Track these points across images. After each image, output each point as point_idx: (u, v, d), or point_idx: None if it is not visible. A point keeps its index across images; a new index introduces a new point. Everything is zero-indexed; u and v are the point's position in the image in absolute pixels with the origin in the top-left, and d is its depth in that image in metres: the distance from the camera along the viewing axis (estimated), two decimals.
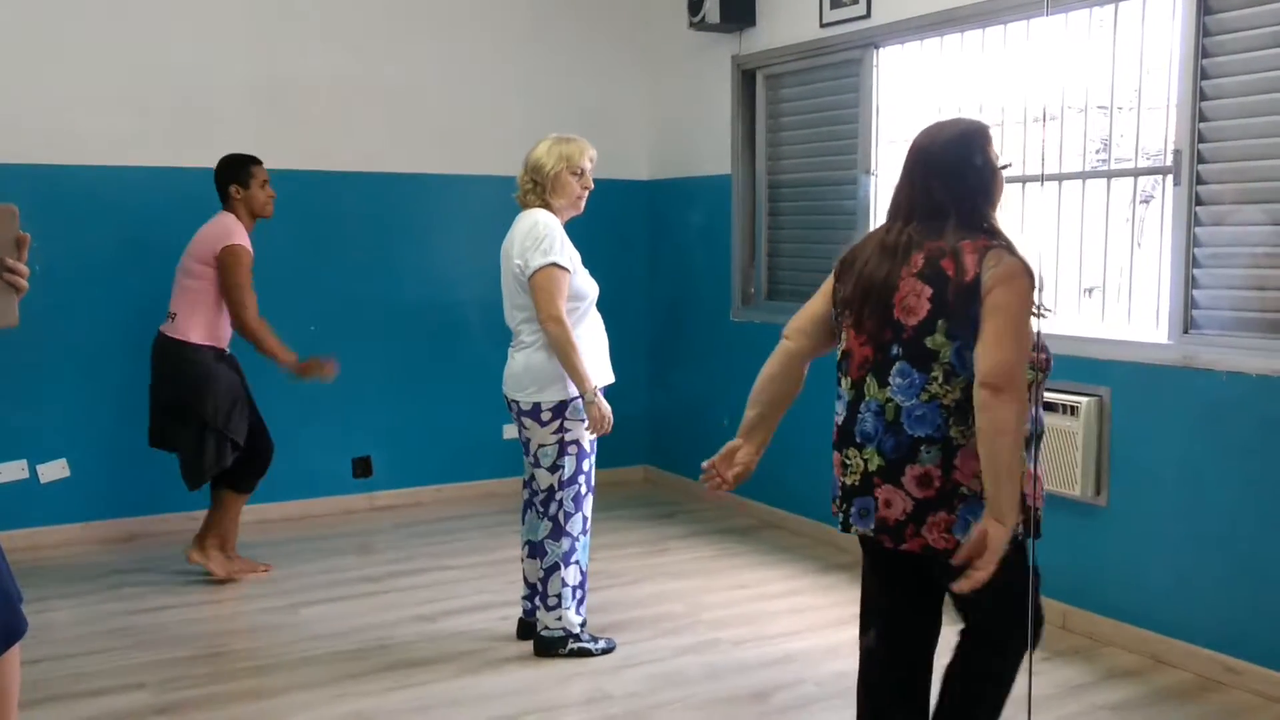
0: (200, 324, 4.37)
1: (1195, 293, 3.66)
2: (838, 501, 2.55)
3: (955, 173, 2.42)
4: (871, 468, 2.43)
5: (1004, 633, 2.50)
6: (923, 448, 2.35)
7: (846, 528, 2.53)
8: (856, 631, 4.01)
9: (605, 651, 3.78)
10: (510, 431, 5.77)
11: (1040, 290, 2.37)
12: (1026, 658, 2.49)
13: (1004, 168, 2.48)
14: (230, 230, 4.37)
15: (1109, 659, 3.75)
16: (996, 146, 2.49)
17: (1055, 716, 3.30)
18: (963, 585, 2.24)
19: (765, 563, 4.87)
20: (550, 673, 3.65)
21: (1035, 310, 2.35)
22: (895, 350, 2.39)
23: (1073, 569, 3.96)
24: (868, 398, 2.44)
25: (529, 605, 3.89)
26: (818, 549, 5.05)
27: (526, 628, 3.87)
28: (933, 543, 2.36)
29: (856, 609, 4.21)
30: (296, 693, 3.49)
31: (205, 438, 4.34)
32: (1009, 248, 2.37)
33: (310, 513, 5.58)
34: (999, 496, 2.23)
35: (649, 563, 4.87)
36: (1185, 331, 3.67)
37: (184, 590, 4.45)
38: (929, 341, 2.35)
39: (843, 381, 2.53)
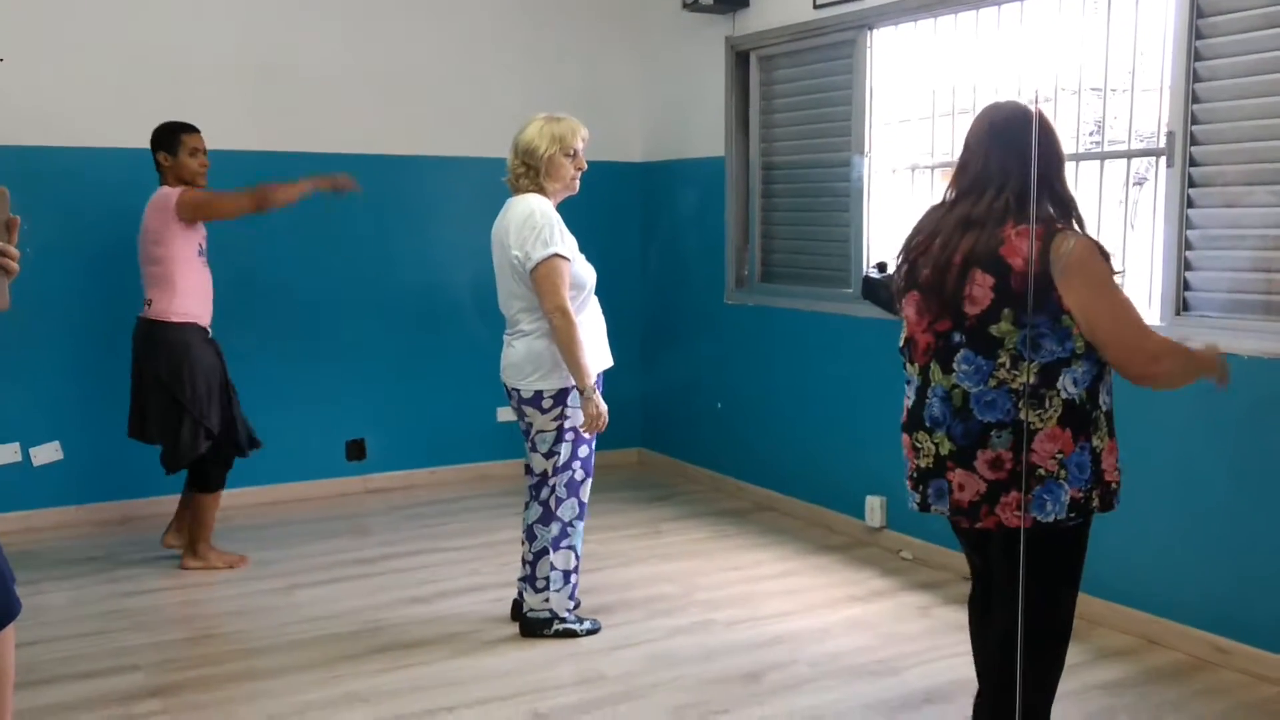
0: (177, 302, 4.32)
1: (1188, 275, 3.66)
2: (912, 482, 2.59)
3: (1000, 152, 2.43)
4: (943, 451, 2.47)
5: (1053, 603, 2.54)
6: (993, 432, 2.40)
7: (925, 508, 2.56)
8: (848, 612, 4.06)
9: (590, 633, 3.79)
10: (504, 414, 5.78)
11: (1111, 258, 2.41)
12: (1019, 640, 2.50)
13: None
14: (169, 194, 4.30)
15: (1101, 639, 3.76)
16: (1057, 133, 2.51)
17: None
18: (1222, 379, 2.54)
19: (759, 544, 4.89)
20: (543, 653, 3.66)
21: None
22: (958, 338, 2.42)
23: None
24: (934, 383, 2.47)
25: (523, 587, 3.89)
26: (811, 531, 5.06)
27: (520, 609, 3.88)
28: (1006, 521, 2.41)
29: (849, 590, 4.28)
30: (290, 674, 3.50)
31: (182, 420, 4.30)
32: (1073, 227, 2.40)
33: (304, 495, 5.58)
34: (1192, 375, 2.50)
35: (643, 545, 4.88)
36: (1178, 313, 3.67)
37: (177, 573, 4.46)
38: (994, 329, 2.38)
39: (908, 367, 2.57)
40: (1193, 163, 3.61)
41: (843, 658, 3.63)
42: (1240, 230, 3.54)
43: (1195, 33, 3.56)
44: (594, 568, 4.45)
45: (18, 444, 4.98)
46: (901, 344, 2.61)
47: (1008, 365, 2.37)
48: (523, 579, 3.86)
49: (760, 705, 3.29)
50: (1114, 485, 2.50)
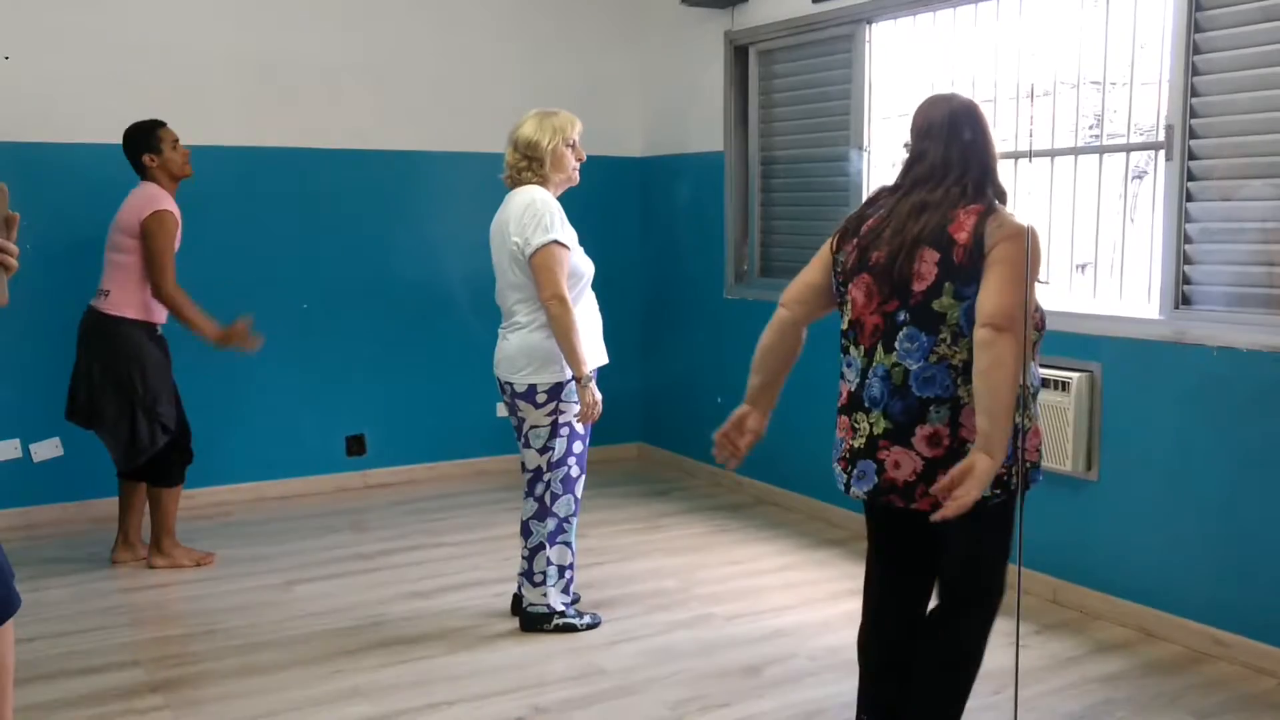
0: (134, 299, 4.27)
1: (1187, 268, 3.66)
2: (843, 463, 2.60)
3: (960, 141, 2.49)
4: (877, 431, 2.49)
5: (975, 596, 2.59)
6: (931, 408, 2.43)
7: (847, 489, 2.58)
8: (848, 606, 4.06)
9: (590, 627, 3.80)
10: (504, 410, 5.77)
11: (1039, 256, 2.45)
12: (1016, 631, 2.52)
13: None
14: (155, 197, 4.25)
15: (1099, 632, 3.77)
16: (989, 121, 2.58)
17: (1046, 689, 3.33)
18: (944, 512, 2.28)
19: (758, 538, 4.89)
20: (543, 648, 3.66)
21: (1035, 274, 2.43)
22: (902, 316, 2.46)
23: (1063, 543, 3.98)
24: (875, 364, 2.50)
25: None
26: (810, 524, 5.06)
27: (520, 603, 3.88)
28: (940, 498, 2.41)
29: (849, 584, 4.27)
30: (291, 669, 3.50)
31: (137, 418, 4.25)
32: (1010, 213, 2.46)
33: (303, 491, 5.59)
34: (993, 432, 2.29)
35: (642, 539, 4.88)
36: (1177, 307, 3.67)
37: (177, 569, 4.45)
38: (936, 305, 2.42)
39: (852, 350, 2.60)
40: (1191, 156, 3.61)
41: (842, 651, 3.63)
42: (1239, 223, 3.53)
43: (1194, 26, 3.56)
44: (594, 562, 4.45)
45: (18, 440, 4.99)
46: (845, 327, 2.63)
47: (949, 341, 2.41)
48: (522, 574, 3.87)
49: (760, 699, 3.29)
50: (1032, 464, 2.52)
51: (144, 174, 4.34)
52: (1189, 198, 3.63)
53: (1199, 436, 3.60)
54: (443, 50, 5.73)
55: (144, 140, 4.30)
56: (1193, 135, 3.60)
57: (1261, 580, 3.45)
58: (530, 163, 3.61)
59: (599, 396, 3.60)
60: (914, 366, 2.44)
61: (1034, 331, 2.47)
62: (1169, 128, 3.64)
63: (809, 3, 5.01)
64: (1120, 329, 3.80)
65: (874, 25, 4.80)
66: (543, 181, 3.62)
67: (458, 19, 5.75)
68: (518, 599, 3.89)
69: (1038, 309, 2.52)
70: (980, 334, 2.32)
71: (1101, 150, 3.99)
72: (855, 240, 2.58)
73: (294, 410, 5.52)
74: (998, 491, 2.45)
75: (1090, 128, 4.12)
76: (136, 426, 4.26)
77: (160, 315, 4.38)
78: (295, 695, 3.32)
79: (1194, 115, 3.59)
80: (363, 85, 5.55)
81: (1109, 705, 3.24)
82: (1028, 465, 2.51)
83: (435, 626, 3.85)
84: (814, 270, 2.71)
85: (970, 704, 2.66)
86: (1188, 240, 3.65)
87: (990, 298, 2.34)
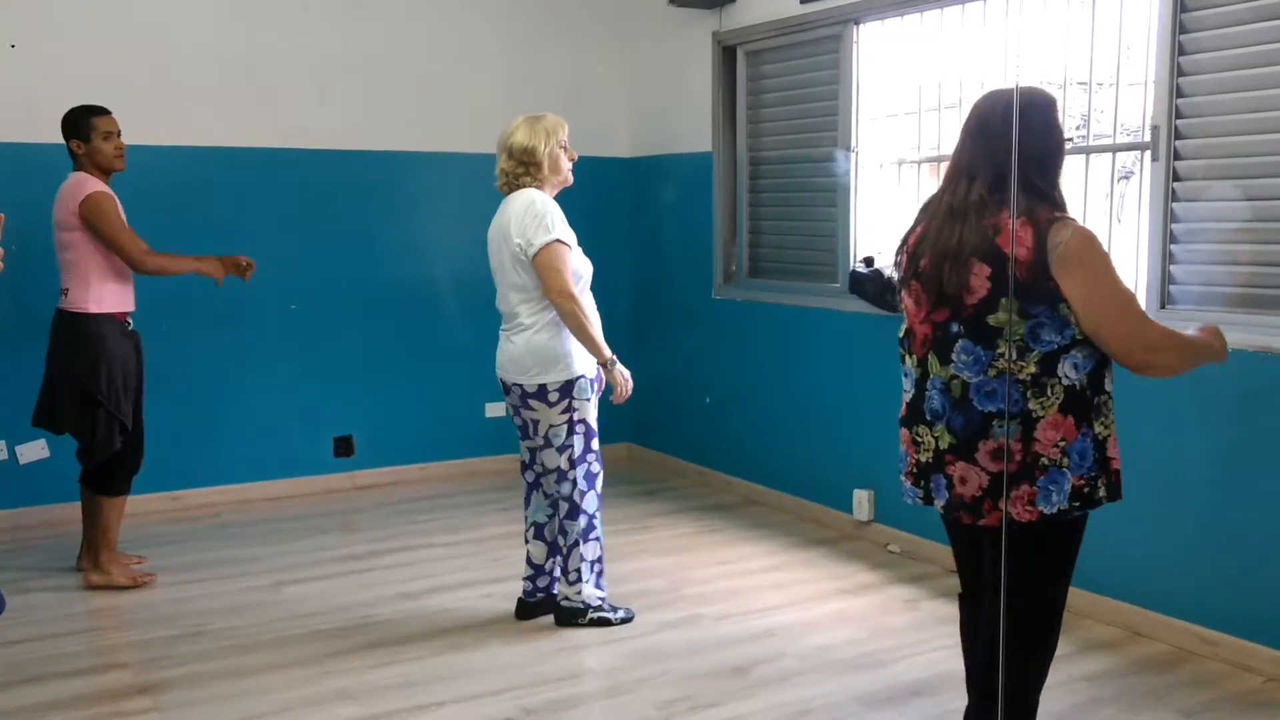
0: (92, 294, 4.11)
1: (1173, 268, 3.68)
2: (913, 477, 2.55)
3: (990, 140, 2.40)
4: (943, 445, 2.45)
5: (1047, 597, 2.54)
6: (995, 423, 2.37)
7: (929, 502, 2.54)
8: (837, 606, 4.08)
9: (624, 621, 3.83)
10: (493, 410, 5.77)
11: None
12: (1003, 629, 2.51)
13: (1068, 140, 2.49)
14: (81, 182, 4.08)
15: (1087, 631, 3.78)
16: (1060, 116, 2.47)
17: None
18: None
19: (747, 539, 4.89)
20: (533, 648, 3.66)
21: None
22: (955, 328, 2.41)
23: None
24: (932, 375, 2.46)
25: (530, 586, 3.90)
26: (799, 525, 5.07)
27: (526, 607, 3.89)
28: (1017, 515, 2.38)
29: (837, 584, 4.29)
30: (280, 671, 3.49)
31: (96, 415, 4.13)
32: (1070, 217, 2.39)
33: (292, 492, 5.57)
34: (1199, 359, 2.52)
35: (631, 540, 4.88)
36: (1163, 306, 3.69)
37: (165, 570, 4.44)
38: (991, 319, 2.36)
39: (907, 359, 2.55)
40: (1177, 156, 3.63)
41: (830, 651, 3.64)
42: (1223, 224, 3.55)
43: (1180, 27, 3.57)
44: None
45: (4, 442, 4.96)
46: (901, 335, 2.59)
47: (1012, 355, 2.36)
48: (530, 577, 3.88)
49: (748, 699, 3.29)
50: (1118, 473, 2.48)
51: (75, 162, 4.19)
52: (1175, 198, 3.65)
53: (1185, 435, 3.62)
54: (429, 50, 5.73)
55: (73, 126, 4.13)
56: (1178, 136, 3.62)
57: (1248, 579, 3.47)
58: (528, 168, 3.64)
59: (628, 374, 3.69)
60: (973, 380, 2.39)
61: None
62: (1155, 128, 3.66)
63: (797, 3, 5.02)
64: None
65: (862, 26, 4.81)
66: (539, 185, 3.65)
67: (444, 19, 5.74)
68: (523, 603, 3.90)
69: None
70: (1142, 374, 2.41)
71: (1088, 150, 4.00)
72: (906, 248, 2.56)
73: (282, 411, 5.51)
74: (1076, 505, 2.40)
75: (1077, 128, 4.13)
76: (97, 425, 4.13)
77: (126, 304, 4.23)
78: (284, 697, 3.31)
79: (1180, 116, 3.61)
80: (349, 85, 5.54)
81: (1095, 704, 3.26)
82: (1116, 474, 2.46)
83: (424, 627, 3.85)
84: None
85: (955, 704, 2.65)
86: (1173, 240, 3.67)
87: (1115, 340, 2.34)
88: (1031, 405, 2.36)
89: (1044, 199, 2.39)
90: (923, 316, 2.47)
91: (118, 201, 4.15)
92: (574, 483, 3.71)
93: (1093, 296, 2.32)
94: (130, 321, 4.27)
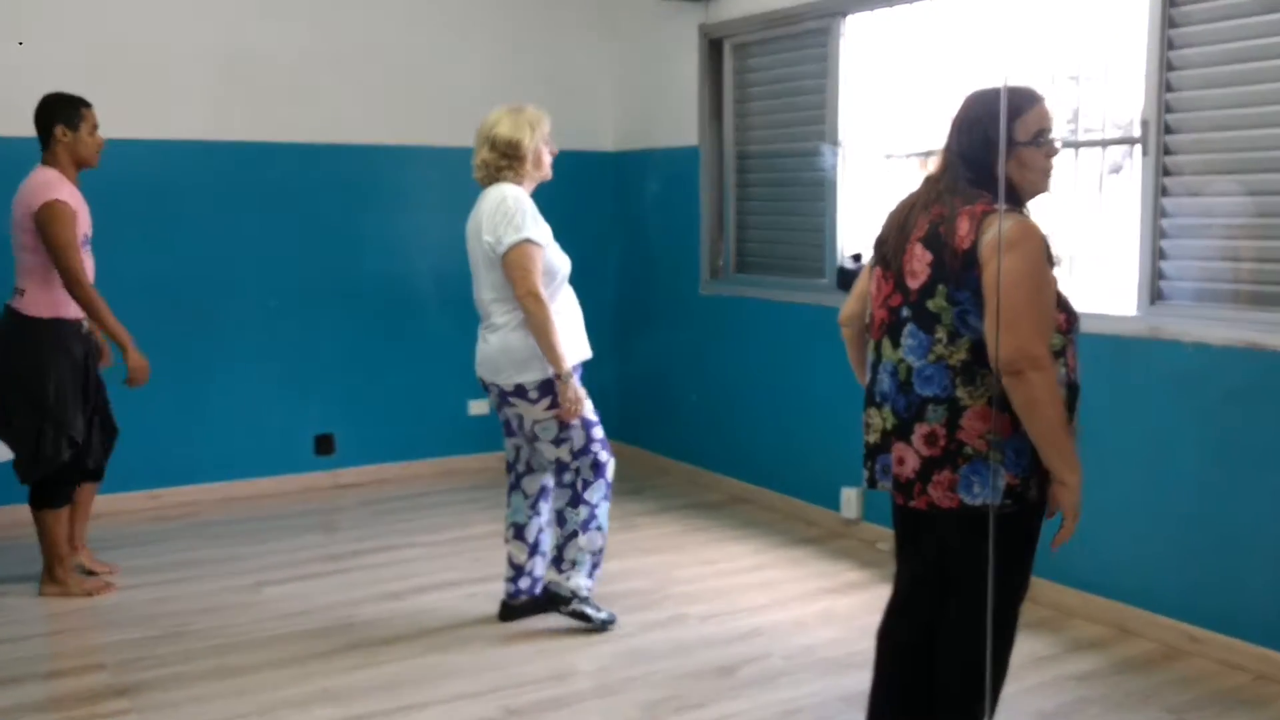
0: (47, 297, 3.92)
1: (1162, 264, 3.66)
2: (865, 461, 2.58)
3: (963, 137, 2.44)
4: (889, 426, 2.48)
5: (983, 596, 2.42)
6: (930, 406, 2.40)
7: (873, 484, 2.56)
8: (823, 605, 4.05)
9: (605, 624, 3.76)
10: (476, 407, 5.73)
11: (1051, 256, 2.36)
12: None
13: (1037, 141, 2.42)
14: (48, 184, 3.89)
15: (1075, 630, 3.77)
16: (1034, 116, 2.42)
17: (1020, 687, 3.31)
18: (1059, 540, 2.41)
19: (733, 537, 4.86)
20: (517, 649, 3.63)
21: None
22: (905, 312, 2.44)
23: (1039, 541, 3.96)
24: (884, 359, 2.49)
25: (512, 588, 3.86)
26: (786, 523, 5.04)
27: (509, 609, 3.85)
28: (937, 501, 2.40)
29: (824, 583, 4.26)
30: (261, 672, 3.45)
31: (43, 427, 3.90)
32: (1015, 212, 2.36)
33: (272, 491, 5.51)
34: (1051, 462, 2.35)
35: (617, 539, 4.83)
36: (1152, 302, 3.67)
37: (143, 571, 4.39)
38: (930, 304, 2.39)
39: (870, 344, 2.58)
40: (1167, 151, 3.61)
41: (818, 650, 3.61)
42: (1214, 219, 3.54)
43: (1169, 21, 3.55)
44: None
45: None
46: (865, 321, 2.62)
47: (944, 341, 2.37)
48: (512, 579, 3.84)
49: (734, 699, 3.27)
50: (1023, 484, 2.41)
51: (48, 149, 4.01)
52: (1164, 193, 3.63)
53: (1173, 432, 3.60)
54: (410, 43, 5.67)
55: (63, 110, 3.98)
56: (1168, 130, 3.60)
57: (1235, 575, 3.46)
58: (511, 162, 3.58)
59: (582, 393, 3.58)
60: (916, 364, 2.41)
61: (1058, 336, 2.38)
62: (1145, 123, 3.64)
63: None
64: (1097, 325, 3.79)
65: (849, 18, 4.77)
66: (519, 179, 3.59)
67: (426, 10, 5.69)
68: (505, 605, 3.86)
69: (1063, 309, 2.42)
70: (1004, 381, 2.28)
71: (1078, 145, 3.98)
72: (877, 236, 2.60)
73: (262, 409, 5.45)
74: (1008, 502, 2.37)
75: (1067, 123, 4.11)
76: (42, 439, 3.91)
77: (79, 310, 4.02)
78: (265, 698, 3.26)
79: (1169, 110, 3.59)
80: (329, 78, 5.48)
81: (1083, 703, 3.24)
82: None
83: (407, 628, 3.81)
84: (863, 276, 2.68)
85: None
86: (1163, 235, 3.65)
87: (999, 339, 2.26)
88: (959, 393, 2.37)
89: (991, 190, 2.38)
90: (880, 301, 2.52)
91: (75, 214, 3.93)
92: (577, 472, 3.67)
93: (1002, 280, 2.25)
94: (85, 324, 4.06)
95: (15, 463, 3.97)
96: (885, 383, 2.48)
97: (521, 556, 3.83)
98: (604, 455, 3.72)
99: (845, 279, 4.71)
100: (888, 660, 2.71)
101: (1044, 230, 2.37)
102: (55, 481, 4.03)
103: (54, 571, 4.10)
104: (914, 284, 2.41)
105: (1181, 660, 3.52)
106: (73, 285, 3.89)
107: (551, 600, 3.75)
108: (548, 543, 3.83)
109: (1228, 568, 3.48)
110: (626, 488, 5.70)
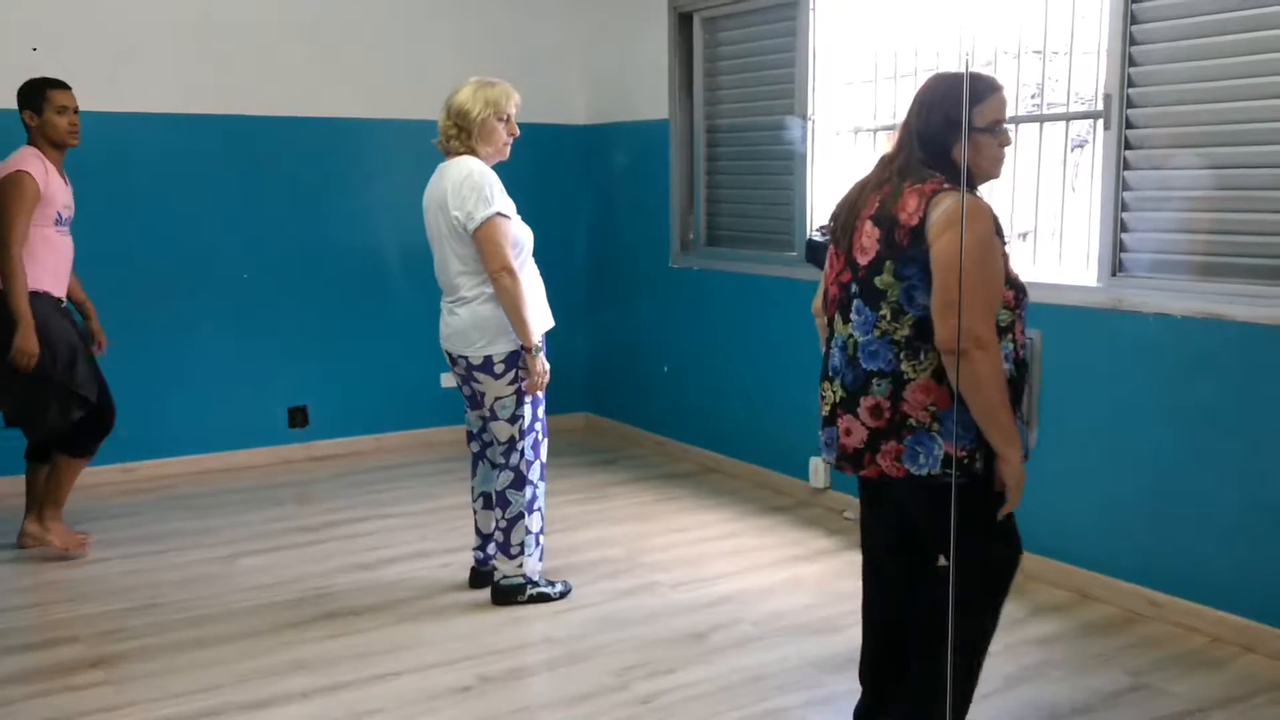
0: (31, 270, 3.96)
1: (1124, 236, 3.72)
2: (820, 433, 2.64)
3: (917, 119, 2.49)
4: (837, 399, 2.54)
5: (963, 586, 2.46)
6: (874, 380, 2.45)
7: (820, 454, 2.64)
8: (792, 572, 4.11)
9: (562, 595, 3.80)
10: (448, 380, 5.73)
11: (1001, 233, 2.40)
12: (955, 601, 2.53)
13: (993, 130, 2.45)
14: (20, 157, 3.98)
15: (1037, 595, 3.84)
16: (992, 105, 2.45)
17: None
18: (1003, 511, 2.46)
19: (704, 506, 4.92)
20: (490, 618, 3.66)
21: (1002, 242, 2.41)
22: (854, 288, 2.49)
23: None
24: (837, 333, 2.55)
25: (481, 555, 3.89)
26: (756, 492, 5.10)
27: (480, 576, 3.88)
28: (886, 469, 2.46)
29: (793, 550, 4.32)
30: (236, 642, 3.47)
31: (47, 392, 4.01)
32: (969, 192, 2.39)
33: (246, 463, 5.52)
34: (991, 439, 2.39)
35: (589, 509, 4.89)
36: (1114, 274, 3.73)
37: (118, 543, 4.39)
38: (878, 281, 2.44)
39: (824, 318, 2.64)
40: (1129, 125, 3.66)
41: (786, 616, 3.67)
42: (1174, 192, 3.59)
43: None
44: None
45: None
46: (820, 296, 2.70)
47: (889, 317, 2.43)
48: (480, 546, 3.87)
49: (705, 665, 3.32)
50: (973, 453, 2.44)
51: (27, 134, 4.09)
52: (1126, 166, 3.68)
53: (1134, 401, 3.67)
54: (381, 16, 5.64)
55: (26, 97, 4.06)
56: (1130, 105, 3.64)
57: (1193, 541, 3.54)
58: (460, 131, 3.58)
59: (547, 366, 3.61)
60: (862, 339, 2.47)
61: (1006, 311, 2.41)
62: (1107, 97, 3.68)
63: None
64: (1060, 296, 3.85)
65: None
66: (471, 152, 3.58)
67: None
68: (476, 571, 3.89)
69: (1012, 284, 2.44)
70: (946, 358, 2.34)
71: (1042, 119, 4.03)
72: (831, 214, 2.65)
73: (235, 381, 5.45)
74: (947, 471, 2.39)
75: (1032, 97, 4.15)
76: (47, 401, 4.02)
77: (60, 286, 4.12)
78: (239, 668, 3.29)
79: (1132, 85, 3.63)
80: (299, 51, 5.45)
81: (1045, 666, 3.31)
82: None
83: (381, 598, 3.84)
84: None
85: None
86: (1125, 209, 3.70)
87: (939, 319, 2.33)
88: (904, 367, 2.43)
89: (944, 171, 2.43)
90: (833, 277, 2.58)
91: (39, 191, 3.95)
92: (521, 453, 3.68)
93: (941, 269, 2.32)
94: (64, 301, 4.15)
95: (24, 428, 4.14)
96: (837, 357, 2.54)
97: (489, 524, 3.85)
98: (541, 435, 3.74)
99: (813, 252, 4.73)
100: (871, 634, 2.78)
101: (993, 209, 2.41)
102: (81, 430, 4.13)
103: (44, 514, 4.20)
104: (863, 260, 2.47)
105: (1142, 624, 3.60)
106: (1, 252, 3.90)
107: (508, 594, 3.73)
108: None
109: (1187, 534, 3.55)
110: (598, 458, 5.74)
